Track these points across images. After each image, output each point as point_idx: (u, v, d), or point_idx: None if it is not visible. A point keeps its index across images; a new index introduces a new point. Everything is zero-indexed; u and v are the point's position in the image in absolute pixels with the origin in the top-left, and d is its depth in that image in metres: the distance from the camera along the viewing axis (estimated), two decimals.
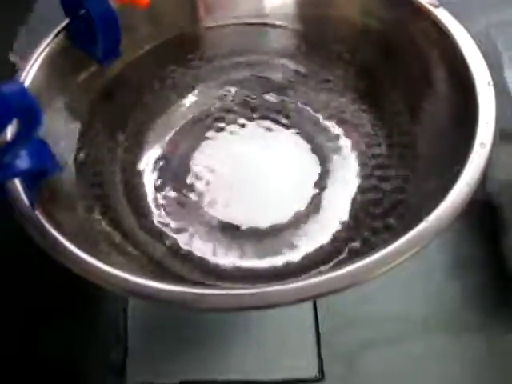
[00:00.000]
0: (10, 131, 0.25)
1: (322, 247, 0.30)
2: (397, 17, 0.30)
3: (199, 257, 0.30)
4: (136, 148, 0.33)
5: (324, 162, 0.33)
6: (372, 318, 0.29)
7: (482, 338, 0.28)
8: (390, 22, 0.31)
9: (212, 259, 0.29)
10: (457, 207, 0.23)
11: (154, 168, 0.33)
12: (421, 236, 0.22)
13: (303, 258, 0.29)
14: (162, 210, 0.31)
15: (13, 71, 0.32)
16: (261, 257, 0.29)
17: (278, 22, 0.34)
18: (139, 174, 0.32)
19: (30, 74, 0.28)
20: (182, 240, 0.30)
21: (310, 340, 0.29)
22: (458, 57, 0.27)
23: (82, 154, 0.30)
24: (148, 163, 0.33)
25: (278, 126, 0.34)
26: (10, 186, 0.25)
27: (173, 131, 0.34)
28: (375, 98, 0.33)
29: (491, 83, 0.26)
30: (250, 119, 0.35)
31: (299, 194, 0.32)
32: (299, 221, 0.31)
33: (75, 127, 0.30)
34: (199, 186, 0.32)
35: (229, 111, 0.35)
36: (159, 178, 0.33)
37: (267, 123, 0.34)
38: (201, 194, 0.32)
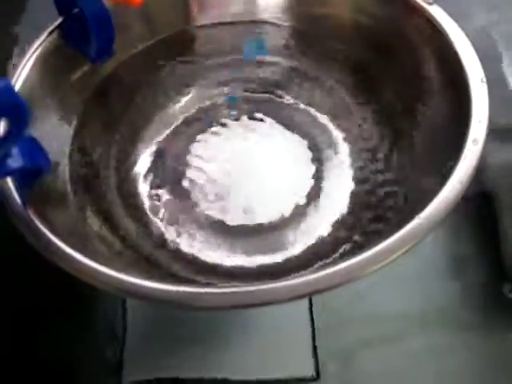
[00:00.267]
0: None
1: (316, 245, 0.30)
2: (390, 14, 0.30)
3: (192, 254, 0.29)
4: (129, 147, 0.33)
5: (319, 158, 0.33)
6: (369, 316, 0.29)
7: (480, 336, 0.28)
8: (384, 18, 0.31)
9: (204, 257, 0.29)
10: (449, 204, 0.23)
11: (148, 167, 0.33)
12: (413, 233, 0.22)
13: (297, 256, 0.29)
14: (156, 208, 0.31)
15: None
16: (254, 255, 0.29)
17: (270, 20, 0.34)
18: (132, 173, 0.32)
19: (22, 73, 0.28)
20: (179, 239, 0.30)
21: (306, 339, 0.28)
22: (451, 54, 0.27)
23: (75, 153, 0.30)
24: (141, 162, 0.33)
25: (272, 123, 0.34)
26: (1, 185, 0.25)
27: (166, 130, 0.34)
28: (368, 95, 0.33)
29: (484, 80, 0.26)
30: (244, 117, 0.35)
31: (294, 191, 0.32)
32: (294, 218, 0.31)
33: (68, 126, 0.30)
34: (193, 184, 0.32)
35: (222, 109, 0.35)
36: (152, 176, 0.32)
37: (261, 121, 0.35)
38: (195, 193, 0.32)
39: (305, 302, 0.29)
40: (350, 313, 0.29)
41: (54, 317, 0.30)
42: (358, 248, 0.23)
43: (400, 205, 0.28)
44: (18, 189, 0.25)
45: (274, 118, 0.34)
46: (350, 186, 0.31)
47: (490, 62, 0.27)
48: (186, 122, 0.35)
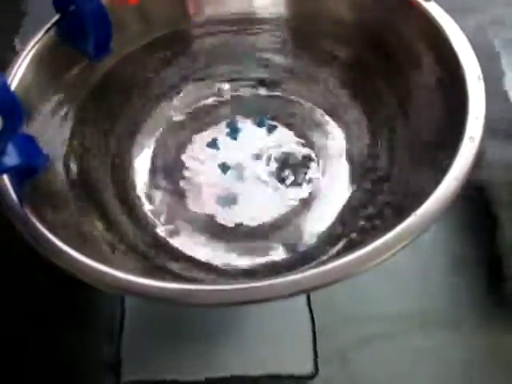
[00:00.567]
0: None
1: (313, 242, 0.30)
2: (387, 11, 0.30)
3: (188, 253, 0.30)
4: (126, 145, 0.33)
5: (316, 155, 0.33)
6: (368, 314, 0.29)
7: (479, 336, 0.28)
8: (381, 16, 0.31)
9: (200, 256, 0.30)
10: (446, 201, 0.23)
11: (145, 165, 0.33)
12: (410, 229, 0.22)
13: (294, 254, 0.29)
14: (152, 207, 0.31)
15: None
16: (252, 254, 0.30)
17: (267, 18, 0.34)
18: (130, 172, 0.32)
19: (19, 70, 0.28)
20: (175, 238, 0.30)
21: (306, 336, 0.29)
22: (448, 51, 0.27)
23: (71, 151, 0.30)
24: (139, 160, 0.33)
25: (268, 121, 0.34)
26: None
27: (163, 128, 0.34)
28: (365, 92, 0.33)
29: (481, 77, 0.26)
30: (241, 115, 0.35)
31: (291, 189, 0.32)
32: (291, 216, 0.31)
33: (65, 124, 0.30)
34: (190, 183, 0.32)
35: (219, 107, 0.35)
36: (149, 175, 0.33)
37: (257, 119, 0.35)
38: (191, 192, 0.32)
39: (304, 300, 0.29)
40: (350, 311, 0.29)
41: (52, 317, 0.30)
42: (355, 245, 0.23)
43: (397, 202, 0.28)
44: (14, 186, 0.24)
45: (271, 115, 0.35)
46: (348, 183, 0.31)
47: (487, 60, 0.27)
48: (184, 121, 0.35)
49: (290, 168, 0.33)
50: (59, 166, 0.29)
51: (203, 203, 0.32)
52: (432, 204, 0.23)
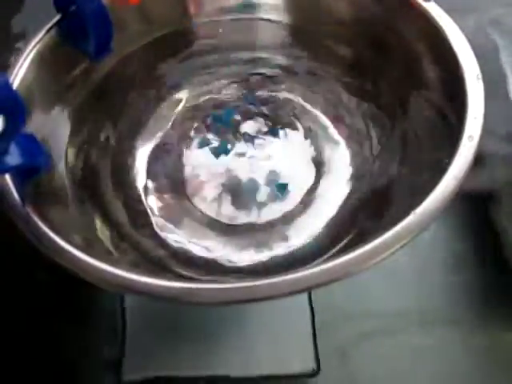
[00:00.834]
0: None
1: (313, 241, 0.30)
2: (387, 10, 0.30)
3: (189, 251, 0.30)
4: (127, 145, 0.33)
5: (316, 155, 0.33)
6: (368, 311, 0.29)
7: (478, 334, 0.29)
8: (380, 15, 0.31)
9: (202, 254, 0.30)
10: (444, 200, 0.23)
11: (146, 164, 0.33)
12: (408, 229, 0.22)
13: (294, 253, 0.30)
14: (154, 206, 0.32)
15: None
16: (251, 252, 0.30)
17: (267, 16, 0.34)
18: (130, 171, 0.33)
19: (20, 71, 0.28)
20: (176, 237, 0.30)
21: (306, 334, 0.29)
22: (447, 51, 0.27)
23: (72, 150, 0.30)
24: (139, 159, 0.33)
25: (269, 120, 0.35)
26: (0, 182, 0.25)
27: (164, 127, 0.34)
28: (364, 91, 0.33)
29: (480, 77, 0.26)
30: (242, 114, 0.35)
31: (291, 188, 0.32)
32: (291, 215, 0.31)
33: (66, 124, 0.30)
34: (190, 182, 0.32)
35: (220, 106, 0.35)
36: (150, 174, 0.33)
37: (259, 118, 0.35)
38: (193, 190, 0.32)
39: (305, 298, 0.29)
40: (350, 308, 0.29)
41: (54, 315, 0.30)
42: (355, 244, 0.23)
43: (396, 201, 0.28)
44: (16, 185, 0.25)
45: (270, 115, 0.35)
46: (347, 182, 0.31)
47: (487, 59, 0.27)
48: (185, 120, 0.35)
49: (291, 166, 0.33)
50: (60, 166, 0.29)
51: (204, 202, 0.32)
52: (431, 203, 0.23)
